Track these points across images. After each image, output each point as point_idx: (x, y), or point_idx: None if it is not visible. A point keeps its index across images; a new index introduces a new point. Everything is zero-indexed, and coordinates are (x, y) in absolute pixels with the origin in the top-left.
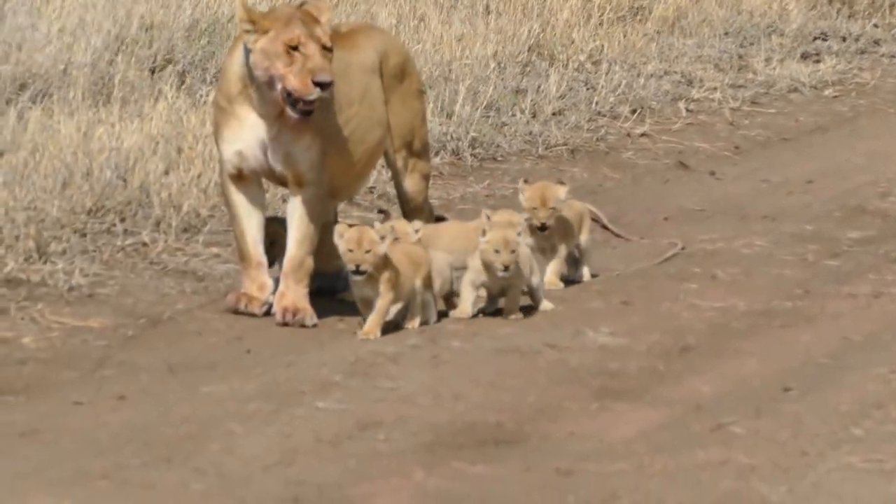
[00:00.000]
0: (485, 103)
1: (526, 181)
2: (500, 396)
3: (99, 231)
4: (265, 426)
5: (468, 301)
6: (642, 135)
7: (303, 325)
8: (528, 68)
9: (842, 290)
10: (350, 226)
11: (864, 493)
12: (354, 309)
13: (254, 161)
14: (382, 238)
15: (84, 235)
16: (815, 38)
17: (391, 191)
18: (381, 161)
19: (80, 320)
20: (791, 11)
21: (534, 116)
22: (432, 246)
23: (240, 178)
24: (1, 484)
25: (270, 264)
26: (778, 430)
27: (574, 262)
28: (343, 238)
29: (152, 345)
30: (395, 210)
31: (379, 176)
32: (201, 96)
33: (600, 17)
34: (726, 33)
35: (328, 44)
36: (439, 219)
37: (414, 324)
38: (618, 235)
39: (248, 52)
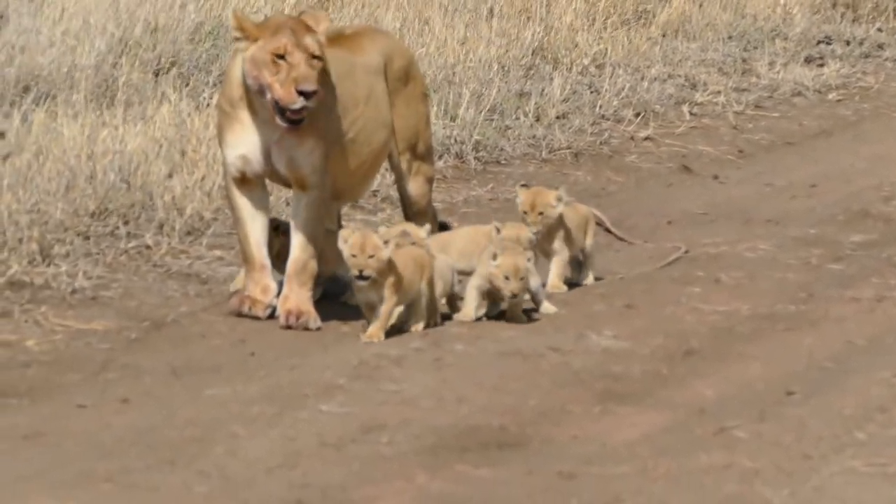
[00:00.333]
0: (488, 107)
1: (525, 185)
2: (503, 399)
3: (102, 234)
4: (269, 429)
5: (472, 305)
6: (646, 138)
7: (306, 328)
8: (532, 72)
9: (845, 294)
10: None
11: (867, 496)
12: (358, 312)
13: (257, 164)
14: (386, 243)
15: (87, 238)
16: (818, 42)
17: (394, 194)
18: (385, 164)
19: (83, 323)
20: (795, 15)
21: (537, 120)
22: (445, 251)
23: (243, 181)
24: (4, 487)
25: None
26: (781, 433)
27: (578, 265)
28: (347, 243)
29: (156, 348)
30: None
31: (382, 179)
32: (205, 99)
33: (604, 20)
34: (730, 37)
35: (317, 53)
36: (442, 223)
37: (418, 327)
38: (621, 239)
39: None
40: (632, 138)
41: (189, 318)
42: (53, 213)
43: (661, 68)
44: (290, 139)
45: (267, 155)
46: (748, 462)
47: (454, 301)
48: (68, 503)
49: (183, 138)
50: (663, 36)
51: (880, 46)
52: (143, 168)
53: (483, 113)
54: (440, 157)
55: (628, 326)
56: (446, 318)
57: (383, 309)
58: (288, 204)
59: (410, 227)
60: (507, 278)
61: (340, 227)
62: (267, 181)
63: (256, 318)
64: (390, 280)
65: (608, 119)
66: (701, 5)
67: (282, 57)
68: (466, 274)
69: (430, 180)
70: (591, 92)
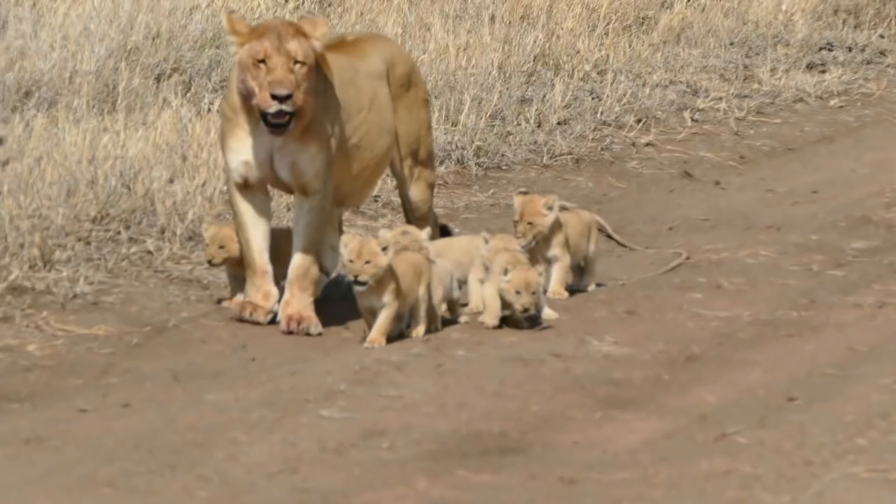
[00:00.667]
0: (490, 112)
1: (522, 193)
2: (505, 405)
3: (104, 239)
4: (270, 434)
5: (495, 309)
6: (647, 144)
7: (307, 334)
8: (534, 78)
9: (847, 301)
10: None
11: (868, 503)
12: (360, 317)
13: (259, 170)
14: (384, 249)
15: (89, 243)
16: (820, 49)
17: (396, 199)
18: (387, 170)
19: (84, 328)
20: (797, 22)
21: (539, 126)
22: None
23: (246, 186)
24: (6, 491)
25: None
26: (782, 439)
27: (579, 271)
28: (346, 248)
29: (157, 353)
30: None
31: (384, 184)
32: (206, 104)
33: (606, 26)
34: (732, 43)
35: (300, 57)
36: (443, 228)
37: (418, 332)
38: (622, 245)
39: None
40: (633, 144)
41: (190, 323)
42: (55, 218)
43: (663, 74)
44: (292, 144)
45: (269, 160)
46: (749, 468)
47: (454, 306)
48: None
49: (184, 144)
50: (664, 42)
51: (882, 53)
52: (145, 173)
53: (484, 119)
54: (441, 163)
55: (630, 332)
56: (447, 323)
57: (383, 314)
58: (289, 209)
59: (411, 228)
60: (518, 293)
61: (342, 232)
62: (269, 187)
63: (257, 323)
64: (390, 286)
65: (609, 125)
66: (702, 11)
67: (262, 61)
68: (461, 282)
69: (431, 186)
70: (593, 98)
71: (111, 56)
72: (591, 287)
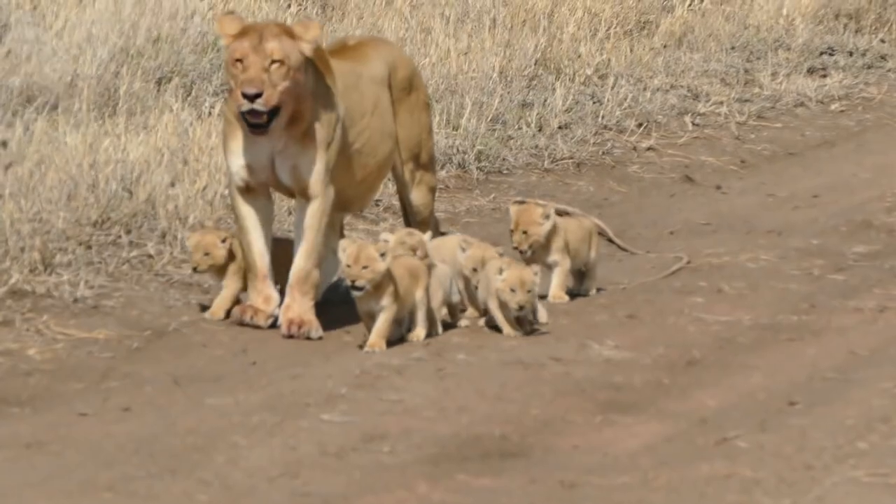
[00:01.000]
0: (491, 116)
1: (519, 202)
2: (505, 409)
3: (104, 243)
4: (270, 438)
5: (506, 323)
6: (648, 149)
7: (308, 338)
8: (535, 82)
9: (848, 305)
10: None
11: None
12: (360, 321)
13: (261, 173)
14: (383, 255)
15: (89, 247)
16: (821, 53)
17: (397, 203)
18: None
19: (85, 332)
20: (798, 26)
21: (540, 130)
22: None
23: (248, 190)
24: (7, 495)
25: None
26: (783, 444)
27: (579, 275)
28: (343, 253)
29: (157, 357)
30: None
31: (385, 189)
32: (207, 108)
33: (607, 31)
34: (733, 48)
35: (278, 57)
36: (444, 233)
37: (418, 336)
38: (623, 249)
39: None
40: (634, 148)
41: (191, 327)
42: (55, 222)
43: (664, 79)
44: (294, 147)
45: (270, 164)
46: (749, 472)
47: (454, 310)
48: None
49: (185, 147)
50: (665, 46)
51: (883, 57)
52: (146, 177)
53: (485, 123)
54: (442, 167)
55: (630, 336)
56: (448, 326)
57: (382, 317)
58: (290, 213)
59: (415, 230)
60: (513, 290)
61: (343, 236)
62: (272, 190)
63: (258, 327)
64: (388, 289)
65: (610, 129)
66: (703, 16)
67: (240, 60)
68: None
69: (432, 190)
70: (594, 102)
71: (112, 60)
72: (592, 292)
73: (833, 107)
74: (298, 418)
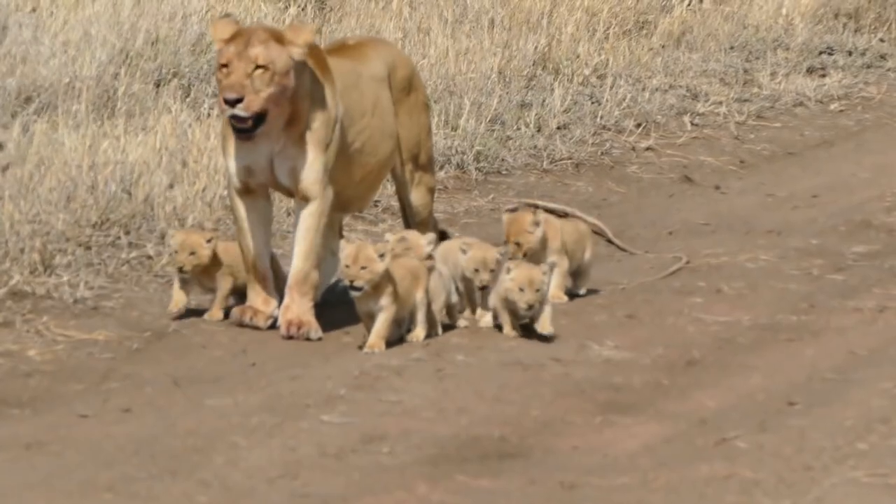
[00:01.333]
0: (490, 117)
1: (511, 210)
2: (505, 410)
3: (104, 244)
4: (269, 439)
5: (507, 322)
6: (647, 149)
7: (307, 339)
8: (533, 82)
9: (847, 305)
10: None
11: None
12: (359, 322)
13: (260, 175)
14: (381, 256)
15: (89, 248)
16: (820, 53)
17: (395, 204)
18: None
19: (85, 333)
20: (797, 26)
21: (539, 130)
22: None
23: (247, 191)
24: (6, 496)
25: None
26: (782, 444)
27: (574, 276)
28: (342, 253)
29: (157, 358)
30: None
31: (383, 189)
32: (206, 110)
33: (605, 31)
34: (731, 48)
35: (262, 62)
36: (442, 233)
37: (418, 337)
38: (622, 249)
39: None
40: (633, 149)
41: (190, 328)
42: (55, 223)
43: (663, 79)
44: (292, 149)
45: (269, 165)
46: (749, 473)
47: (453, 311)
48: None
49: (184, 149)
50: (664, 46)
51: (882, 57)
52: (145, 178)
53: (484, 123)
54: (441, 168)
55: (630, 337)
56: (447, 328)
57: (381, 318)
58: (289, 214)
59: (412, 235)
60: (521, 290)
61: (342, 237)
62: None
63: (257, 328)
64: (387, 290)
65: (609, 129)
66: (702, 16)
67: (225, 66)
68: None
69: (431, 190)
70: (593, 102)
71: (111, 61)
72: (584, 290)
73: (832, 106)
74: (298, 419)
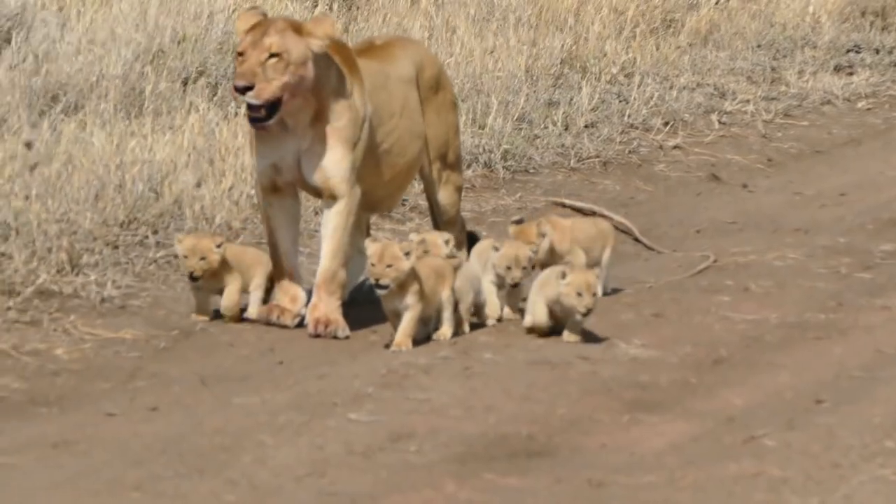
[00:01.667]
0: (517, 116)
1: (517, 222)
2: (532, 408)
3: (131, 243)
4: (297, 437)
5: (543, 315)
6: (675, 147)
7: (335, 337)
8: (561, 81)
9: (875, 303)
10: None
11: None
12: (386, 321)
13: (287, 173)
14: (407, 254)
15: (116, 247)
16: (848, 51)
17: (423, 203)
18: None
19: (112, 332)
20: (824, 24)
21: (566, 129)
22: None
23: (275, 189)
24: (34, 494)
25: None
26: (810, 442)
27: None
28: (368, 252)
29: (184, 356)
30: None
31: (411, 188)
32: (233, 108)
33: (632, 29)
34: (759, 46)
35: (276, 50)
36: (470, 234)
37: (445, 335)
38: (650, 248)
39: None
40: (660, 147)
41: (217, 326)
42: (82, 222)
43: (690, 77)
44: (320, 147)
45: (297, 163)
46: (777, 471)
47: (480, 309)
48: None
49: (211, 147)
50: (691, 45)
51: None
52: (172, 177)
53: (511, 122)
54: (468, 166)
55: (657, 335)
56: (475, 326)
57: (407, 317)
58: (316, 213)
59: (430, 236)
60: (579, 294)
61: (369, 235)
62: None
63: (285, 326)
64: (413, 288)
65: (637, 128)
66: (730, 14)
67: (241, 54)
68: None
69: (459, 189)
70: (620, 101)
71: (138, 60)
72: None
73: (860, 104)
74: (325, 418)
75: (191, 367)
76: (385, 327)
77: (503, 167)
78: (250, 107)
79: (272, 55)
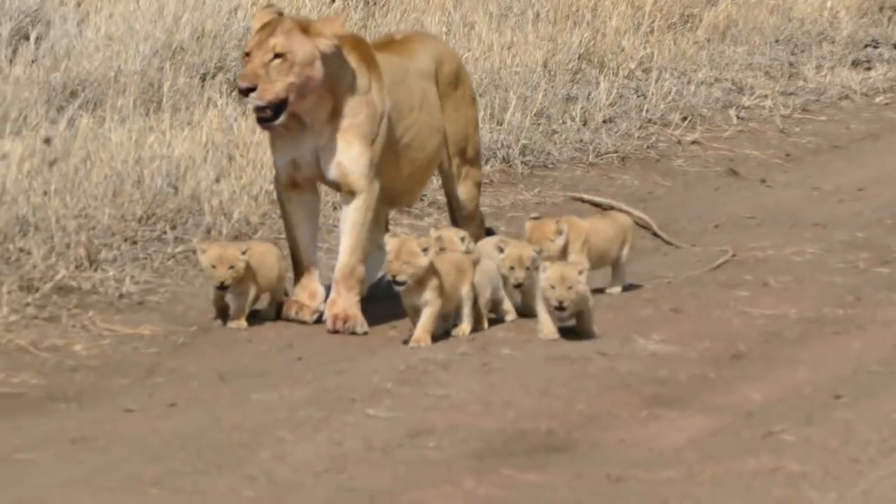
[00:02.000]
0: (535, 111)
1: (535, 218)
2: (551, 404)
3: (150, 239)
4: (316, 433)
5: (548, 321)
6: (693, 142)
7: (353, 333)
8: (579, 76)
9: (893, 298)
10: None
11: None
12: (405, 316)
13: (306, 169)
14: (425, 250)
15: (135, 243)
16: (865, 46)
17: (441, 198)
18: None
19: (130, 328)
20: (842, 19)
21: (584, 124)
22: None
23: (294, 185)
24: (52, 490)
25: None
26: (829, 437)
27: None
28: (386, 248)
29: (203, 352)
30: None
31: (430, 183)
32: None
33: (650, 24)
34: (777, 41)
35: (281, 50)
36: (488, 229)
37: (464, 331)
38: (668, 243)
39: None
40: (679, 142)
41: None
42: (101, 218)
43: (708, 72)
44: (338, 143)
45: (315, 159)
46: (796, 466)
47: (498, 306)
48: None
49: (230, 143)
50: (709, 40)
51: None
52: (191, 173)
53: (530, 117)
54: (487, 162)
55: (675, 330)
56: (493, 321)
57: (426, 313)
58: (335, 208)
59: (447, 233)
60: (552, 287)
61: (388, 231)
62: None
63: (303, 322)
64: (432, 284)
65: (655, 123)
66: (747, 9)
67: (248, 55)
68: None
69: (478, 184)
70: (638, 96)
71: (156, 55)
72: (616, 291)
73: (878, 99)
74: (344, 413)
75: (209, 362)
76: (404, 323)
77: (521, 162)
78: (256, 107)
79: (276, 56)
